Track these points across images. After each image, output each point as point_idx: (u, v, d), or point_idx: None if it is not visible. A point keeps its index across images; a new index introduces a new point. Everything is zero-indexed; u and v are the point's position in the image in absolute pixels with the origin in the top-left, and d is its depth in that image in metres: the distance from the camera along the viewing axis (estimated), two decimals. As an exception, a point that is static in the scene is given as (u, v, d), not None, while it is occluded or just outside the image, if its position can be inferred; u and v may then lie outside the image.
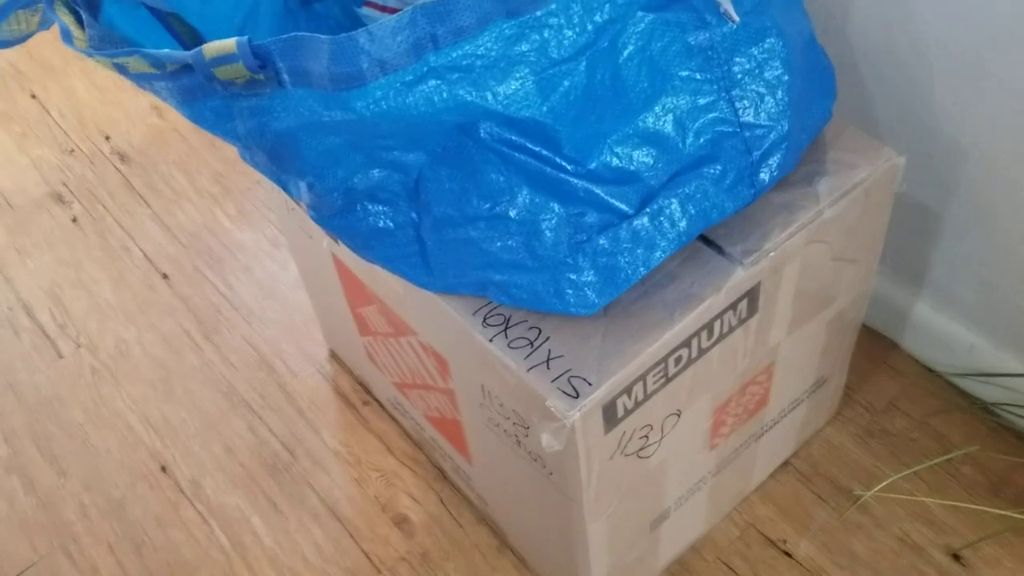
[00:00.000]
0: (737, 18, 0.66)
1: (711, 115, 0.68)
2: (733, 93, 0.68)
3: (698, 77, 0.67)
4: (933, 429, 1.06)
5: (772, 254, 0.73)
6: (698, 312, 0.70)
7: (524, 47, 0.58)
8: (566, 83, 0.61)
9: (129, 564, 1.05)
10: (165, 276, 1.34)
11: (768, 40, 0.68)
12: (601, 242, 0.67)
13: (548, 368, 0.68)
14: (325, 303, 1.08)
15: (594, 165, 0.65)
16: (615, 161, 0.66)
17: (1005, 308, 1.00)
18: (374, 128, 0.60)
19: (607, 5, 0.60)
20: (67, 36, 0.60)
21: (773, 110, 0.69)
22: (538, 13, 0.57)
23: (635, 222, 0.68)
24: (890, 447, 1.05)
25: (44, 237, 1.41)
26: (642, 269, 0.68)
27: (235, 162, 1.49)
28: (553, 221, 0.67)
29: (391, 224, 0.70)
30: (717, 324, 0.73)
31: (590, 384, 0.67)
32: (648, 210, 0.68)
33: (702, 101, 0.68)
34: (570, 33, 0.59)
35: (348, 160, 0.64)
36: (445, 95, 0.57)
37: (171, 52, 0.57)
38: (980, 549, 0.97)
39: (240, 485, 1.10)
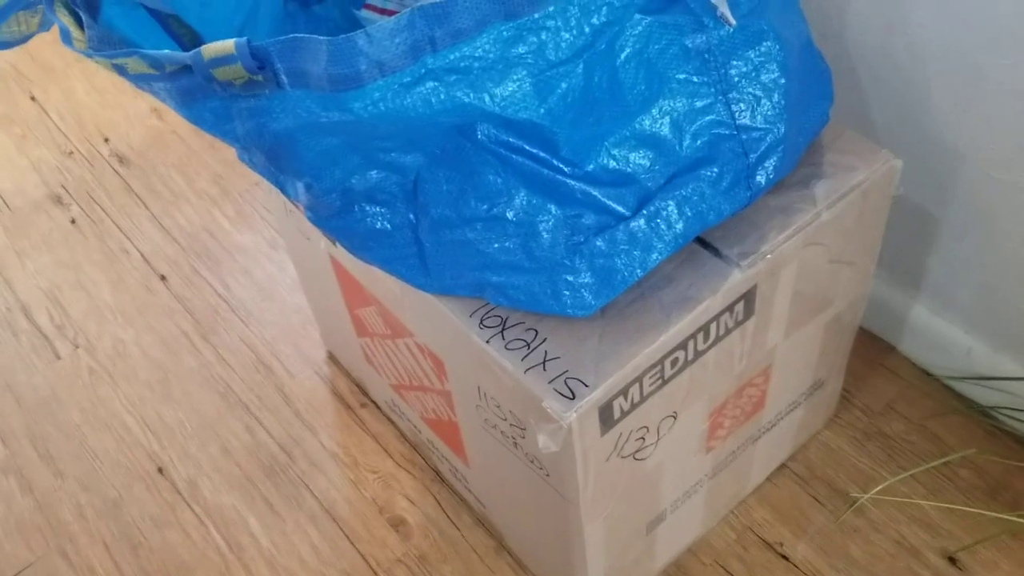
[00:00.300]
0: (734, 21, 0.66)
1: (708, 118, 0.68)
2: (730, 96, 0.68)
3: (695, 80, 0.67)
4: (930, 432, 1.06)
5: (769, 256, 0.73)
6: (695, 314, 0.71)
7: (522, 49, 0.58)
8: (563, 85, 0.61)
9: (125, 565, 1.05)
10: (163, 277, 1.34)
11: (765, 43, 0.69)
12: (598, 244, 0.68)
13: (545, 370, 0.68)
14: (323, 305, 1.08)
15: (591, 167, 0.66)
16: (612, 163, 0.66)
17: (1003, 311, 1.00)
18: (372, 129, 0.60)
19: (604, 8, 0.60)
20: (66, 37, 0.60)
21: (770, 113, 0.70)
22: (536, 15, 0.58)
23: (632, 224, 0.68)
24: (887, 450, 1.05)
25: (43, 238, 1.41)
26: (639, 271, 0.69)
27: (234, 164, 1.49)
28: (550, 223, 0.67)
29: (388, 225, 0.70)
30: (713, 326, 0.73)
31: (586, 386, 0.67)
32: (645, 212, 0.68)
33: (699, 104, 0.68)
34: (567, 36, 0.59)
35: (346, 161, 0.64)
36: (443, 97, 0.58)
37: (170, 53, 0.57)
38: (977, 552, 0.97)
39: (237, 486, 1.10)
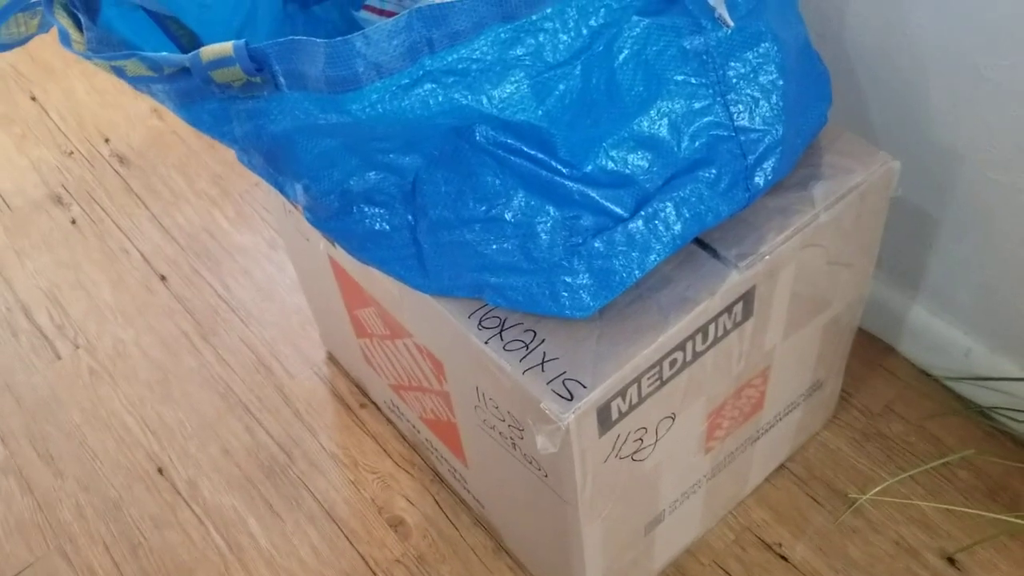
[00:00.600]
0: (732, 23, 0.66)
1: (706, 119, 0.68)
2: (728, 97, 0.69)
3: (693, 81, 0.67)
4: (929, 433, 1.07)
5: (767, 258, 0.73)
6: (693, 315, 0.71)
7: (519, 51, 0.58)
8: (561, 87, 0.61)
9: (125, 565, 1.05)
10: (163, 278, 1.34)
11: (763, 45, 0.69)
12: (596, 245, 0.68)
13: (543, 370, 0.68)
14: (322, 305, 1.09)
15: (589, 168, 0.66)
16: (610, 164, 0.66)
17: (1002, 312, 1.00)
18: (370, 131, 0.60)
19: (602, 10, 0.60)
20: (65, 39, 0.60)
21: (768, 114, 0.70)
22: (533, 17, 0.58)
23: (630, 225, 0.68)
24: (886, 451, 1.06)
25: (43, 238, 1.41)
26: (637, 272, 0.69)
27: (234, 165, 1.49)
28: (548, 224, 0.67)
29: (387, 226, 0.70)
30: (712, 327, 0.73)
31: (585, 387, 0.67)
32: (643, 213, 0.68)
33: (697, 105, 0.68)
34: (565, 37, 0.60)
35: (344, 163, 0.64)
36: (441, 99, 0.58)
37: (168, 55, 0.57)
38: (975, 553, 0.97)
39: (237, 487, 1.10)
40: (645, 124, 0.67)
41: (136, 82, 0.61)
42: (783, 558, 0.99)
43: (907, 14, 0.88)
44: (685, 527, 0.96)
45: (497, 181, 0.66)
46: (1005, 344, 1.02)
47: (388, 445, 1.12)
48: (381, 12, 0.90)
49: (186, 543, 1.06)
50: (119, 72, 0.59)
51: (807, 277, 0.80)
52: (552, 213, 0.67)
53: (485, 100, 0.59)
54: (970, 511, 1.00)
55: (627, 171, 0.67)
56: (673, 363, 0.72)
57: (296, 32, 0.90)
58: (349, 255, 0.73)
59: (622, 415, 0.71)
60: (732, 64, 0.68)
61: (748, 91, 0.69)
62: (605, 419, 0.69)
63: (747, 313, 0.76)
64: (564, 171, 0.65)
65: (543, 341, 0.70)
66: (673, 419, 0.78)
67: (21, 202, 1.47)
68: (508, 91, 0.59)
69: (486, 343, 0.71)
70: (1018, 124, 0.86)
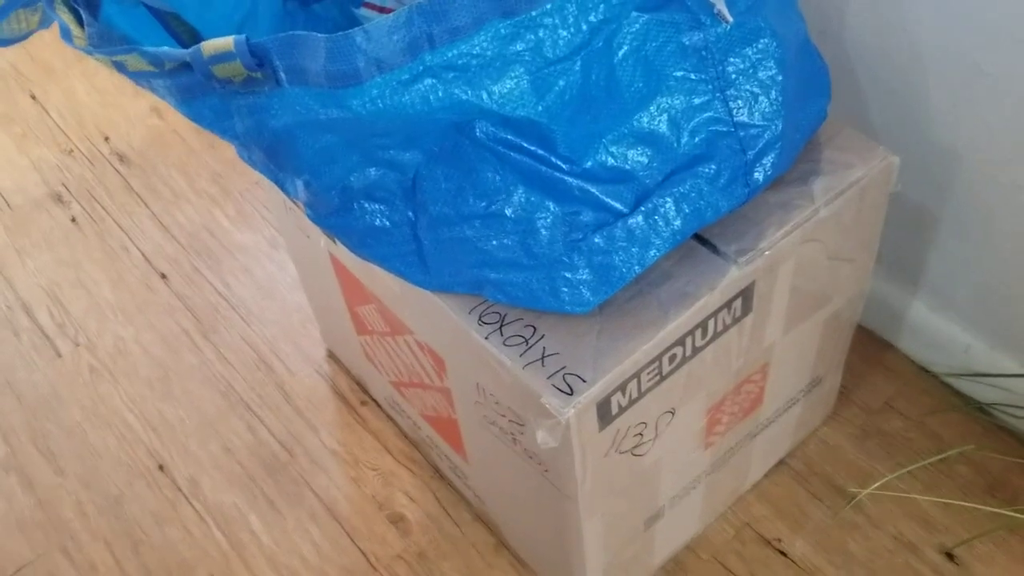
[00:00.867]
0: (731, 19, 0.66)
1: (706, 115, 0.68)
2: (727, 93, 0.69)
3: (692, 77, 0.68)
4: (928, 429, 1.07)
5: (767, 253, 0.74)
6: (692, 311, 0.71)
7: (519, 47, 0.59)
8: (561, 83, 0.61)
9: (127, 562, 1.05)
10: (164, 276, 1.34)
11: (762, 40, 0.69)
12: (596, 240, 0.68)
13: (543, 365, 0.68)
14: (323, 303, 1.09)
15: (589, 164, 0.66)
16: (610, 160, 0.66)
17: (1001, 309, 1.00)
18: (371, 126, 0.60)
19: (602, 5, 0.60)
20: (66, 34, 0.61)
21: (767, 110, 0.70)
22: (533, 13, 0.58)
23: (630, 221, 0.68)
24: (885, 447, 1.06)
25: (43, 237, 1.42)
26: (637, 267, 0.69)
27: (234, 163, 1.49)
28: (548, 220, 0.67)
29: (387, 223, 0.70)
30: (711, 323, 0.74)
31: (585, 381, 0.67)
32: (643, 209, 0.68)
33: (697, 101, 0.68)
34: (565, 33, 0.60)
35: (345, 159, 0.65)
36: (441, 94, 0.58)
37: (170, 50, 0.57)
38: (974, 547, 0.97)
39: (238, 484, 1.11)
40: (645, 120, 0.67)
41: (137, 77, 0.61)
42: (782, 553, 0.99)
43: (907, 11, 0.88)
44: (685, 522, 0.96)
45: (497, 177, 0.66)
46: (1004, 340, 1.02)
47: (389, 442, 1.12)
48: (381, 9, 0.90)
49: (187, 540, 1.07)
50: (120, 67, 0.59)
51: (807, 272, 0.80)
52: (552, 209, 0.67)
53: (485, 95, 0.59)
54: (969, 505, 1.00)
55: (627, 167, 0.67)
56: (673, 358, 0.73)
57: (296, 28, 0.90)
58: (350, 252, 0.73)
59: (622, 410, 0.71)
60: (731, 60, 0.69)
61: (747, 87, 0.69)
62: (605, 414, 0.70)
63: (747, 309, 0.76)
64: (564, 167, 0.66)
65: (543, 336, 0.70)
66: (673, 414, 0.78)
67: (21, 201, 1.48)
68: (508, 86, 0.59)
69: (486, 338, 0.71)
70: (1017, 122, 0.86)
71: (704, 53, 0.67)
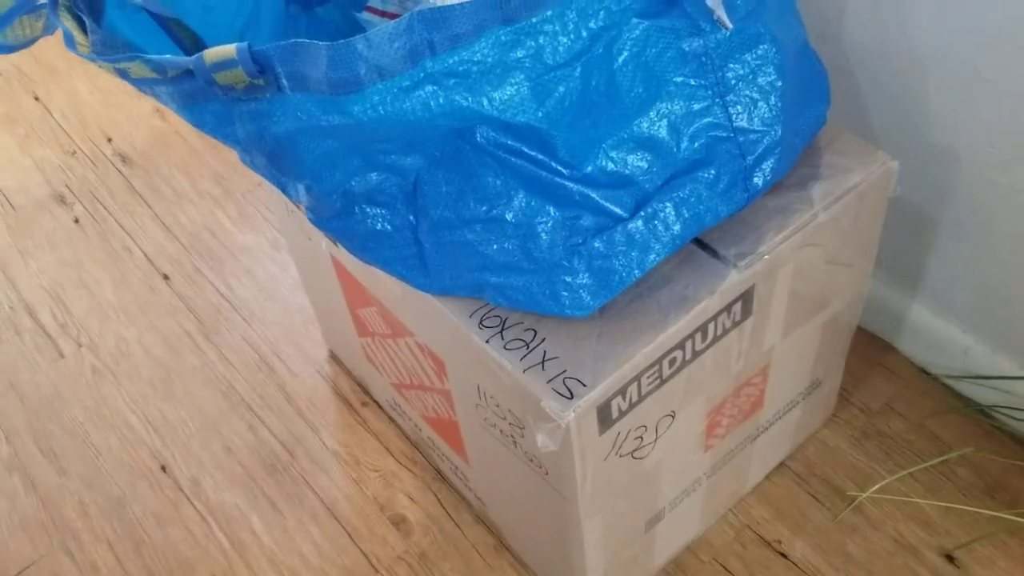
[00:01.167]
0: (731, 25, 0.67)
1: (705, 120, 0.69)
2: (727, 98, 0.69)
3: (692, 83, 0.68)
4: (928, 431, 1.07)
5: (766, 257, 0.74)
6: (692, 314, 0.71)
7: (520, 53, 0.59)
8: (561, 89, 0.62)
9: (129, 562, 1.06)
10: (166, 277, 1.34)
11: (762, 46, 0.69)
12: (596, 245, 0.68)
13: (543, 369, 0.69)
14: (324, 304, 1.09)
15: (589, 169, 0.66)
16: (610, 165, 0.67)
17: (1000, 311, 1.00)
18: (372, 132, 0.61)
19: (602, 12, 0.61)
20: (70, 41, 0.61)
21: (767, 115, 0.70)
22: (533, 20, 0.58)
23: (630, 225, 0.68)
24: (885, 449, 1.06)
25: (46, 237, 1.42)
26: (636, 272, 0.69)
27: (236, 165, 1.50)
28: (549, 224, 0.67)
29: (389, 227, 0.70)
30: (711, 326, 0.74)
31: (585, 385, 0.68)
32: (643, 213, 0.68)
33: (696, 106, 0.68)
34: (565, 40, 0.60)
35: (346, 164, 0.65)
36: (442, 100, 0.58)
37: (172, 58, 0.58)
38: (974, 550, 0.97)
39: (239, 484, 1.11)
40: (644, 125, 0.67)
41: (140, 84, 0.61)
42: (783, 555, 0.99)
43: (906, 15, 0.88)
44: (685, 525, 0.96)
45: (498, 182, 0.66)
46: (1004, 343, 1.02)
47: (390, 443, 1.13)
48: (383, 14, 0.91)
49: (189, 540, 1.07)
50: (123, 74, 0.60)
51: (806, 276, 0.81)
52: (552, 213, 0.67)
53: (486, 102, 0.59)
54: (969, 508, 1.00)
55: (627, 172, 0.67)
56: (673, 362, 0.73)
57: (298, 33, 0.90)
58: (351, 255, 0.73)
59: (622, 413, 0.71)
60: (731, 66, 0.69)
61: (747, 92, 0.70)
62: (605, 417, 0.70)
63: (746, 312, 0.77)
64: (564, 172, 0.66)
65: (543, 340, 0.71)
66: (673, 417, 0.78)
67: (24, 201, 1.48)
68: (508, 93, 0.60)
69: (487, 342, 0.71)
70: (1016, 125, 0.86)
71: (704, 59, 0.67)
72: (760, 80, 0.70)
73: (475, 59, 0.57)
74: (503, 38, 0.58)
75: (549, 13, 0.58)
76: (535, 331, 0.71)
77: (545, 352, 0.70)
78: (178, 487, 1.12)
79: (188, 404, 1.19)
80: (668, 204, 0.69)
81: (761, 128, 0.70)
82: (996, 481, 1.02)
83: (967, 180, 0.94)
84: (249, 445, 1.15)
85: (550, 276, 0.69)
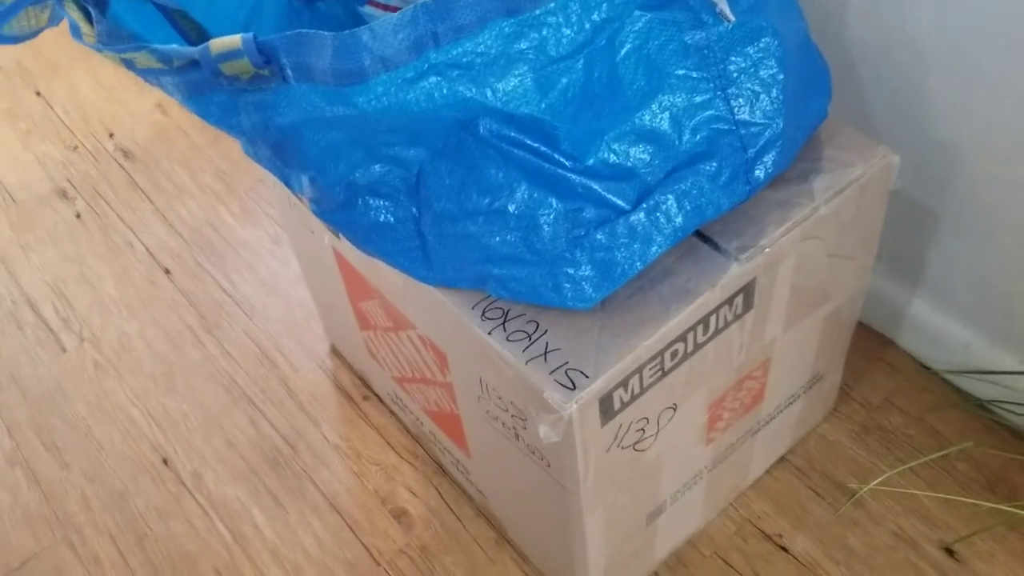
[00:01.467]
0: (733, 18, 0.67)
1: (707, 113, 0.69)
2: (729, 91, 0.69)
3: (694, 75, 0.68)
4: (929, 426, 1.07)
5: (767, 250, 0.74)
6: (694, 307, 0.71)
7: (523, 45, 0.59)
8: (564, 80, 0.62)
9: (131, 555, 1.06)
10: (167, 271, 1.35)
11: (763, 39, 0.70)
12: (598, 237, 0.68)
13: (546, 361, 0.69)
14: (326, 298, 1.09)
15: (592, 161, 0.66)
16: (612, 157, 0.67)
17: (1001, 306, 1.01)
18: (376, 123, 0.61)
19: (605, 4, 0.61)
20: (76, 31, 0.61)
21: (768, 108, 0.70)
22: (537, 12, 0.58)
23: (632, 217, 0.69)
24: (886, 443, 1.06)
25: (48, 232, 1.42)
26: (638, 264, 0.69)
27: (238, 160, 1.50)
28: (551, 216, 0.68)
29: (392, 218, 0.71)
30: (713, 319, 0.74)
31: (587, 377, 0.68)
32: (645, 206, 0.69)
33: (698, 99, 0.69)
34: (568, 32, 0.60)
35: (350, 155, 0.65)
36: (445, 91, 0.58)
37: (178, 48, 0.58)
38: (974, 544, 0.98)
39: (241, 478, 1.11)
40: (647, 118, 0.68)
41: (145, 74, 0.62)
42: (783, 549, 1.00)
43: (908, 10, 0.88)
44: (686, 518, 0.97)
45: (500, 174, 0.67)
46: (1004, 338, 1.02)
47: (391, 437, 1.13)
48: (385, 7, 0.91)
49: (191, 534, 1.07)
50: (129, 64, 0.60)
51: (807, 270, 0.81)
52: (555, 205, 0.68)
53: (489, 93, 0.60)
54: (968, 500, 1.00)
55: (629, 164, 0.68)
56: (674, 354, 0.73)
57: (301, 27, 0.90)
58: (354, 247, 0.74)
59: (624, 405, 0.72)
60: (733, 58, 0.69)
61: (749, 85, 0.70)
62: (607, 409, 0.70)
63: (747, 305, 0.77)
64: (567, 164, 0.66)
65: (546, 332, 0.71)
66: (674, 410, 0.79)
67: (26, 196, 1.48)
68: (512, 84, 0.60)
69: (489, 334, 0.72)
70: (1017, 120, 0.86)
71: (706, 52, 0.68)
72: (762, 73, 0.70)
73: (479, 50, 0.58)
74: (507, 30, 0.58)
75: (552, 5, 0.59)
76: (537, 323, 0.72)
77: (547, 344, 0.70)
78: (180, 481, 1.12)
79: (190, 398, 1.20)
80: (670, 196, 0.69)
81: (763, 121, 0.71)
82: (996, 475, 1.03)
83: (968, 175, 0.94)
84: (251, 439, 1.15)
85: (552, 268, 0.69)
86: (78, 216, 1.44)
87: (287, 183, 0.71)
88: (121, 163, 1.52)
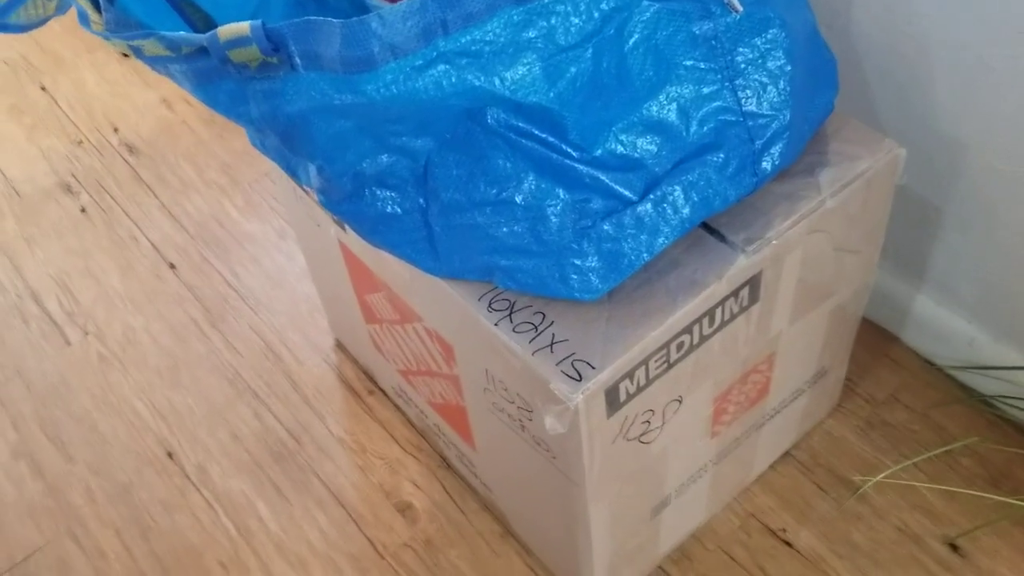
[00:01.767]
0: (741, 8, 0.67)
1: (715, 104, 0.69)
2: (736, 83, 0.69)
3: (702, 66, 0.68)
4: (933, 421, 1.07)
5: (774, 242, 0.74)
6: (700, 299, 0.71)
7: (532, 33, 0.59)
8: (572, 70, 0.62)
9: (135, 548, 1.06)
10: (172, 266, 1.35)
11: (771, 31, 0.70)
12: (605, 228, 0.68)
13: (552, 352, 0.69)
14: (331, 292, 1.09)
15: (599, 152, 0.66)
16: (620, 148, 0.67)
17: (1005, 302, 1.01)
18: (384, 112, 0.61)
19: (613, -7, 0.61)
20: (84, 19, 0.61)
21: (775, 100, 0.70)
22: (545, 0, 0.58)
23: (639, 208, 0.69)
24: (890, 439, 1.06)
25: (53, 226, 1.42)
26: (645, 255, 0.69)
27: (243, 154, 1.50)
28: (558, 207, 0.68)
29: (399, 209, 0.71)
30: (719, 311, 0.74)
31: (593, 368, 0.68)
32: (652, 197, 0.69)
33: (706, 90, 0.69)
34: (577, 20, 0.60)
35: (358, 144, 0.65)
36: (454, 80, 0.59)
37: (186, 35, 0.58)
38: (978, 539, 0.98)
39: (246, 471, 1.11)
40: (654, 108, 0.68)
41: (154, 62, 0.62)
42: (787, 544, 1.00)
43: (913, 6, 0.88)
44: (691, 512, 0.97)
45: (508, 164, 0.67)
46: (1009, 333, 1.02)
47: (396, 431, 1.13)
48: (392, -1, 0.91)
49: (196, 527, 1.07)
50: (137, 52, 0.60)
51: (813, 263, 0.81)
52: (562, 196, 0.68)
53: (497, 81, 0.60)
54: (972, 493, 1.00)
55: (636, 155, 0.68)
56: (680, 346, 0.73)
57: (309, 15, 0.90)
58: (361, 238, 0.74)
59: (630, 397, 0.72)
60: (740, 50, 0.69)
61: (756, 76, 0.70)
62: (613, 400, 0.70)
63: (753, 298, 0.77)
64: (574, 154, 0.66)
65: (552, 323, 0.71)
66: (680, 402, 0.79)
67: (31, 190, 1.48)
68: (520, 73, 0.60)
69: (496, 325, 0.72)
70: (1022, 116, 0.86)
71: (714, 43, 0.68)
72: (769, 64, 0.70)
73: (487, 39, 0.58)
74: (515, 18, 0.58)
75: (561, -6, 0.59)
76: (544, 314, 0.72)
77: (554, 335, 0.70)
78: (184, 474, 1.12)
79: (195, 392, 1.20)
80: (677, 187, 0.69)
81: (770, 112, 0.71)
82: (1000, 470, 1.03)
83: (973, 170, 0.94)
84: (255, 432, 1.15)
85: (559, 259, 0.69)
86: (83, 210, 1.44)
87: (294, 174, 0.71)
88: (126, 158, 1.52)
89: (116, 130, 1.57)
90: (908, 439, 1.06)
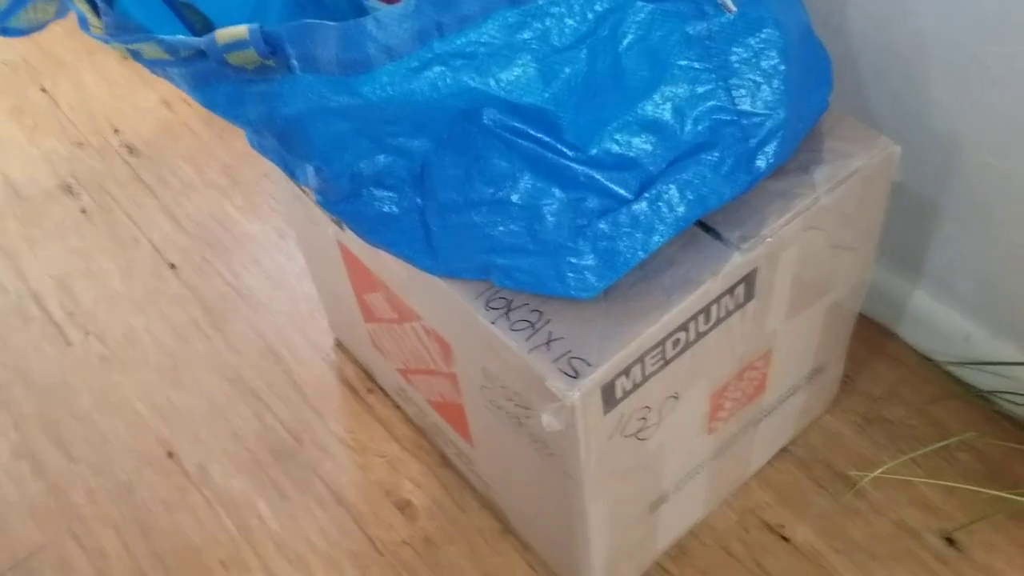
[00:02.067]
0: (734, 8, 0.67)
1: (709, 103, 0.69)
2: (731, 82, 0.70)
3: (696, 66, 0.69)
4: (930, 417, 1.08)
5: (769, 240, 0.75)
6: (695, 296, 0.72)
7: (527, 35, 0.60)
8: (567, 70, 0.62)
9: (136, 548, 1.07)
10: (173, 266, 1.35)
11: (765, 30, 0.70)
12: (601, 226, 0.69)
13: (549, 349, 0.70)
14: (331, 291, 1.10)
15: (595, 151, 0.67)
16: (615, 147, 0.68)
17: (1001, 298, 1.01)
18: (380, 113, 0.61)
19: (607, -6, 0.61)
20: (84, 23, 0.62)
21: (770, 98, 0.71)
22: (540, 2, 0.59)
23: (634, 207, 0.69)
24: (887, 434, 1.07)
25: (54, 227, 1.43)
26: (641, 253, 0.70)
27: (243, 155, 1.51)
28: (555, 206, 0.68)
29: (396, 209, 0.71)
30: (714, 308, 0.75)
31: (590, 365, 0.68)
32: (647, 195, 0.69)
33: (700, 89, 0.69)
34: (571, 22, 0.61)
35: (355, 145, 0.66)
36: (449, 81, 0.59)
37: (185, 38, 0.58)
38: (975, 533, 0.98)
39: (246, 471, 1.12)
40: (649, 108, 0.68)
41: (152, 65, 0.62)
42: (785, 539, 1.00)
43: (908, 3, 0.89)
44: (689, 508, 0.97)
45: (504, 164, 0.67)
46: (1005, 329, 1.03)
47: (395, 429, 1.14)
48: (391, 0, 0.91)
49: (196, 526, 1.08)
50: (136, 55, 0.60)
51: (809, 260, 0.82)
52: (558, 195, 0.68)
53: (493, 83, 0.60)
54: (969, 488, 1.01)
55: (632, 154, 0.68)
56: (676, 343, 0.74)
57: (306, 18, 0.91)
58: (359, 238, 0.74)
59: (626, 394, 0.72)
60: (734, 49, 0.70)
61: (750, 75, 0.70)
62: (609, 397, 0.71)
63: (749, 295, 0.78)
64: (570, 154, 0.67)
65: (549, 321, 0.72)
66: (676, 399, 0.79)
67: (32, 192, 1.49)
68: (515, 74, 0.61)
69: (493, 323, 0.72)
70: (1017, 111, 0.87)
71: (708, 42, 0.68)
72: (763, 63, 0.70)
73: (483, 40, 0.58)
74: (510, 20, 0.59)
75: (555, -5, 0.59)
76: (540, 312, 0.72)
77: (550, 333, 0.71)
78: (185, 473, 1.13)
79: (195, 391, 1.20)
80: (672, 186, 0.70)
81: (764, 111, 0.71)
82: (997, 466, 1.03)
83: (968, 166, 0.95)
84: (256, 432, 1.15)
85: (556, 258, 0.70)
86: (83, 211, 1.45)
87: (292, 175, 0.72)
88: (126, 159, 1.52)
89: (117, 131, 1.57)
90: (905, 434, 1.07)
